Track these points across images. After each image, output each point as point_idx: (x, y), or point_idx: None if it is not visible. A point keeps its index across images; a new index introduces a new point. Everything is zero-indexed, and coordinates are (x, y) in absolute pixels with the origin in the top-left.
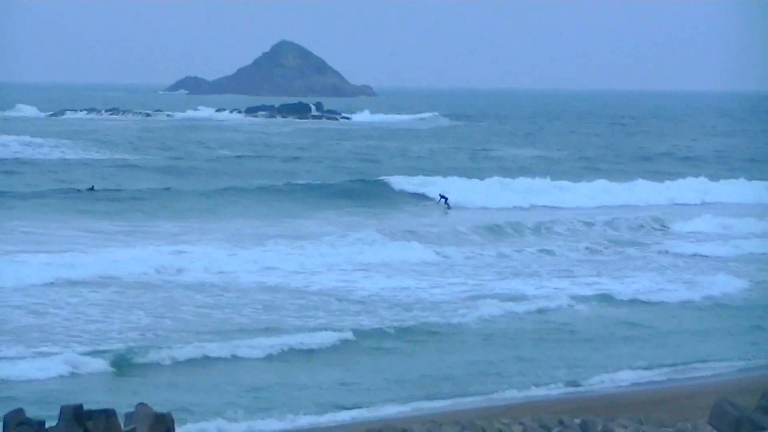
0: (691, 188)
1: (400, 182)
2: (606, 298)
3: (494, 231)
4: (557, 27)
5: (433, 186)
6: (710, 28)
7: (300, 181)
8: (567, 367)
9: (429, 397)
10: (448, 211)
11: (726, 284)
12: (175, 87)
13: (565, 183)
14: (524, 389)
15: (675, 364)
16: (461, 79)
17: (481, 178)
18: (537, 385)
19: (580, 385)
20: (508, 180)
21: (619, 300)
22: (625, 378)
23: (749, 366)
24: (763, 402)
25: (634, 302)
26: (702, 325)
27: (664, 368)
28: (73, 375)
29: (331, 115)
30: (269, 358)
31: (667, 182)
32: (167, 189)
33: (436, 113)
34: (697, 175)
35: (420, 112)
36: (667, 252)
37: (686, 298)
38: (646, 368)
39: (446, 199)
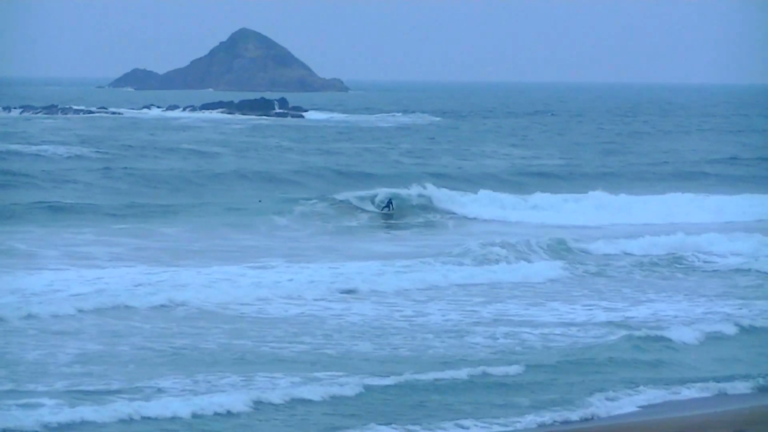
0: (740, 203)
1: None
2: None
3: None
4: (544, 16)
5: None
6: (704, 20)
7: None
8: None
9: None
10: (390, 213)
11: None
12: (120, 81)
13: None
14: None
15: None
16: (442, 72)
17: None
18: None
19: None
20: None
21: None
22: (628, 408)
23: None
24: None
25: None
26: None
27: (672, 395)
28: None
29: (297, 113)
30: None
31: (717, 196)
32: (133, 203)
33: (425, 113)
34: (745, 182)
35: (402, 110)
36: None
37: None
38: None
39: (390, 205)
